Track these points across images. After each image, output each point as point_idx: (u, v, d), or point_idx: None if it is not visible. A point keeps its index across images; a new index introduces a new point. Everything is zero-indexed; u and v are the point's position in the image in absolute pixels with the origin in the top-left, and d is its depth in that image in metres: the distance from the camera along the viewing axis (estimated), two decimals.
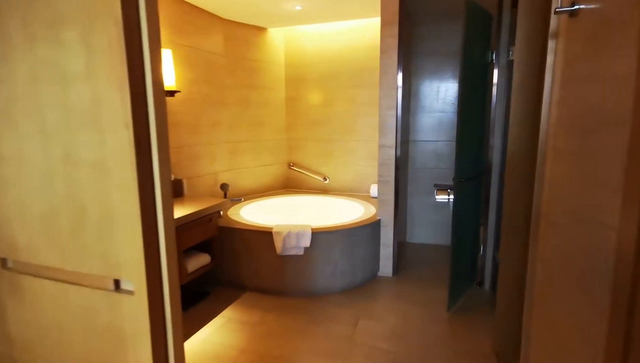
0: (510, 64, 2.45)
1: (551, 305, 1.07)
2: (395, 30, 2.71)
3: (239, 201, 3.31)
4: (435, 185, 3.80)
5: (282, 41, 3.91)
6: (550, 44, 1.08)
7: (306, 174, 3.98)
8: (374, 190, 3.65)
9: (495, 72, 2.55)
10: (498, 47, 2.51)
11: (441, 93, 3.59)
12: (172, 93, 2.73)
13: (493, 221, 2.71)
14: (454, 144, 3.61)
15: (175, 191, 2.73)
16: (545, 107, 1.10)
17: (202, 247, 2.64)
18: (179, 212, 2.29)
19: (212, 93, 3.27)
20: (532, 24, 1.65)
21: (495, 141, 2.61)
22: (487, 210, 2.73)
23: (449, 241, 3.77)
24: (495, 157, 2.63)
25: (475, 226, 2.80)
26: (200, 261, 2.53)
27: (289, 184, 4.13)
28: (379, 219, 2.97)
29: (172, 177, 2.73)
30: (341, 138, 3.85)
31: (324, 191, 3.97)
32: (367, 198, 3.66)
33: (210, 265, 2.62)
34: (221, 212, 2.99)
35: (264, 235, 2.66)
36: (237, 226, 2.74)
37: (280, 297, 2.67)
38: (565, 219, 0.99)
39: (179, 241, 2.30)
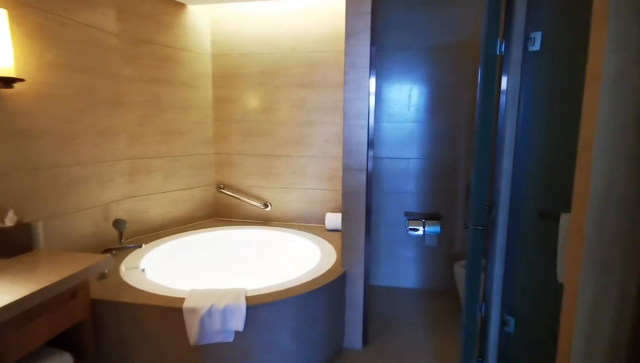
0: (530, 57, 1.74)
1: None
2: (367, 5, 1.90)
3: (139, 247, 2.24)
4: (406, 214, 3.07)
5: (208, 24, 2.93)
6: None
7: (241, 200, 3.03)
8: (330, 221, 2.81)
9: (505, 73, 1.84)
10: (510, 34, 1.80)
11: (413, 98, 2.86)
12: (8, 82, 1.65)
13: (500, 273, 1.99)
14: (427, 162, 2.89)
15: (16, 246, 1.62)
16: None
17: (60, 340, 1.59)
18: (5, 294, 1.23)
19: (99, 87, 2.20)
20: None
21: (505, 166, 1.89)
22: (490, 256, 2.01)
23: (423, 283, 3.04)
24: (504, 189, 1.91)
25: (473, 278, 2.07)
26: None
27: (219, 213, 3.14)
28: (344, 272, 2.12)
29: (11, 220, 1.62)
30: (287, 153, 2.96)
31: (264, 221, 3.05)
32: (322, 231, 2.80)
33: None
34: (107, 271, 1.94)
35: (171, 312, 1.67)
36: (124, 300, 1.71)
37: None
38: None
39: (6, 347, 1.24)
